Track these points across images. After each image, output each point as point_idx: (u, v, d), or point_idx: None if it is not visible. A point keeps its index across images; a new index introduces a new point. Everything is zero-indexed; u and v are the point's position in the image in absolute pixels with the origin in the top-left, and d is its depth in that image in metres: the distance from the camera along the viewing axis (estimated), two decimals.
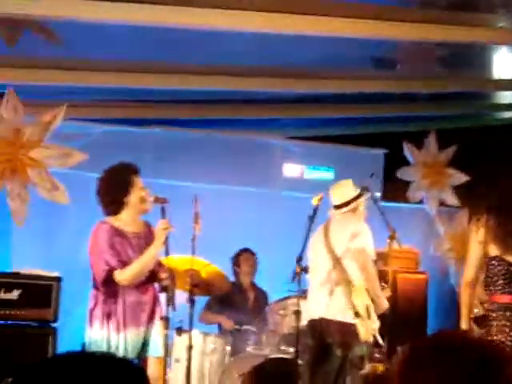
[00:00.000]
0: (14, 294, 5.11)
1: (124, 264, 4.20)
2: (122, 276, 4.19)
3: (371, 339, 4.79)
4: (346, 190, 5.06)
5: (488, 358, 1.38)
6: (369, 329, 4.74)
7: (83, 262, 5.15)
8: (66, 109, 5.77)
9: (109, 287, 4.23)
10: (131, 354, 4.20)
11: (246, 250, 6.35)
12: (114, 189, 4.33)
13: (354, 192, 5.06)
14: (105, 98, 6.86)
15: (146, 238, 4.34)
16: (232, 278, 6.14)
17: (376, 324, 4.81)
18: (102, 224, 4.31)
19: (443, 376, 1.35)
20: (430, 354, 1.38)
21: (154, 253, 4.24)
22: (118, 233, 4.27)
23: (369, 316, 4.74)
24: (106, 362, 1.39)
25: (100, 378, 1.35)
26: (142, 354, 4.29)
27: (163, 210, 4.26)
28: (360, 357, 4.78)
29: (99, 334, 4.23)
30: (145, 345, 4.30)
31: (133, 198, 4.32)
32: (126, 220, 4.33)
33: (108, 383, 1.35)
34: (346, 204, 5.02)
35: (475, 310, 5.65)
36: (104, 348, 4.18)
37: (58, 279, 5.27)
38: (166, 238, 4.22)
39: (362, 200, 5.09)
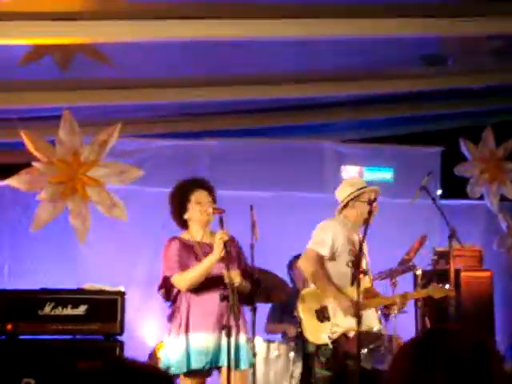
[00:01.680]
0: (81, 310, 5.26)
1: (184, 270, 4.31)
2: (178, 280, 4.29)
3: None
4: (341, 188, 4.98)
5: (483, 353, 1.38)
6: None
7: (143, 275, 5.25)
8: (121, 127, 5.91)
9: (170, 293, 4.34)
10: (202, 363, 4.28)
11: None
12: (175, 209, 4.48)
13: (346, 191, 4.91)
14: (157, 114, 6.99)
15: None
16: (290, 285, 6.16)
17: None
18: (171, 239, 4.45)
19: (438, 370, 1.34)
20: (427, 351, 1.39)
21: (211, 260, 4.30)
22: (185, 245, 4.40)
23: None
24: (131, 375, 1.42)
25: None
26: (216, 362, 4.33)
27: (221, 220, 4.31)
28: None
29: (172, 340, 4.32)
30: (215, 351, 4.35)
31: (191, 213, 4.44)
32: (194, 233, 4.47)
33: None
34: (341, 202, 4.95)
35: None
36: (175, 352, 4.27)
37: (122, 293, 5.39)
38: (225, 247, 4.27)
39: (359, 198, 4.87)
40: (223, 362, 4.28)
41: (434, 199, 5.54)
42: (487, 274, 6.74)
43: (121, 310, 5.33)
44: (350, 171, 7.58)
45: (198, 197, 4.45)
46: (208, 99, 6.53)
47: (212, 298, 4.33)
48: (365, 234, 4.70)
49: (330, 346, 4.58)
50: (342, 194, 4.95)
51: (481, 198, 7.48)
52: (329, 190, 7.47)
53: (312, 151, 7.49)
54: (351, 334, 4.63)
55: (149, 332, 6.31)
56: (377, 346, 5.70)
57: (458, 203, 7.37)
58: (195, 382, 4.36)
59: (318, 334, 4.60)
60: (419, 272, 5.79)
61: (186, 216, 4.43)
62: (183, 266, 4.32)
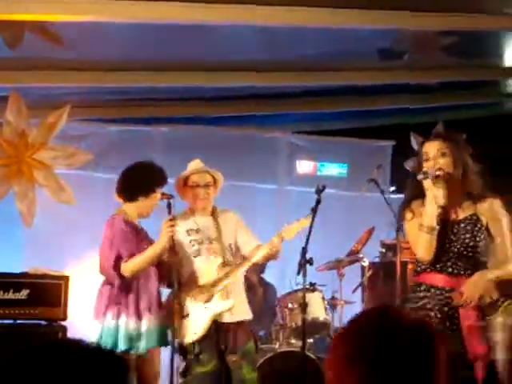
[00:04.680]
0: (23, 294, 5.16)
1: (132, 256, 4.31)
2: (125, 268, 4.30)
3: None
4: None
5: (421, 336, 1.37)
6: None
7: (91, 260, 5.18)
8: (71, 110, 5.81)
9: (119, 277, 4.33)
10: (148, 343, 4.29)
11: None
12: (134, 187, 4.45)
13: None
14: (108, 98, 6.88)
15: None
16: None
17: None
18: (113, 217, 4.40)
19: (377, 355, 1.33)
20: (368, 334, 1.37)
21: (157, 248, 4.28)
22: (128, 224, 4.37)
23: None
24: (84, 351, 1.38)
25: (74, 367, 1.35)
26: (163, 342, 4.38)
27: (169, 206, 4.29)
28: None
29: (112, 325, 4.28)
30: (154, 336, 4.35)
31: (145, 202, 4.45)
32: (132, 213, 4.45)
33: (83, 373, 1.35)
34: None
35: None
36: (117, 337, 4.25)
37: (67, 278, 5.31)
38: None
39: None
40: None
41: (382, 191, 5.58)
42: None
43: (64, 295, 5.25)
44: (304, 166, 7.62)
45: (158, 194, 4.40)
46: (160, 84, 6.45)
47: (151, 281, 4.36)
48: None
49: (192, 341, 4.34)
50: None
51: None
52: (282, 181, 7.53)
53: (265, 142, 7.49)
54: (224, 320, 4.39)
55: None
56: (322, 336, 5.74)
57: None
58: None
59: (187, 332, 4.38)
60: (366, 263, 5.86)
61: (138, 198, 4.42)
62: (129, 251, 4.31)
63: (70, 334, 5.25)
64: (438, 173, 3.42)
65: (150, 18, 5.11)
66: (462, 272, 3.43)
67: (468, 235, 3.45)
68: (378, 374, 1.33)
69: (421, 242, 3.45)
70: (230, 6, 5.22)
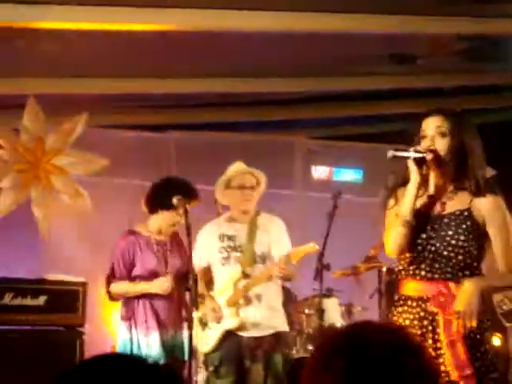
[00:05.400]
0: (41, 300, 5.18)
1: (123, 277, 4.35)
2: (112, 288, 4.37)
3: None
4: None
5: (399, 345, 1.33)
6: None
7: (106, 267, 5.21)
8: (88, 117, 5.84)
9: (108, 296, 4.46)
10: (160, 357, 4.25)
11: None
12: (157, 201, 4.42)
13: None
14: (123, 105, 6.91)
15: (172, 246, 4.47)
16: None
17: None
18: (125, 235, 4.47)
19: (352, 364, 1.30)
20: (341, 343, 1.34)
21: (147, 289, 4.31)
22: (138, 241, 4.38)
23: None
24: (137, 365, 1.37)
25: (129, 381, 1.33)
26: (175, 357, 4.33)
27: (186, 212, 4.28)
28: None
29: (126, 337, 4.28)
30: (176, 348, 4.33)
31: (166, 217, 4.41)
32: (152, 227, 4.47)
33: None
34: None
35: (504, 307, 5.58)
36: (132, 350, 4.24)
37: (84, 284, 5.33)
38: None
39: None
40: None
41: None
42: None
43: (82, 301, 5.28)
44: (319, 171, 7.62)
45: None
46: (176, 91, 6.47)
47: (170, 294, 4.35)
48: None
49: (214, 353, 4.30)
50: None
51: None
52: (297, 186, 7.52)
53: (280, 147, 7.48)
54: (249, 334, 4.27)
55: (112, 325, 6.24)
56: None
57: None
58: None
59: (202, 341, 4.35)
60: (384, 269, 5.83)
61: (158, 211, 4.39)
62: (123, 272, 4.34)
63: (87, 341, 5.27)
64: (425, 155, 2.82)
65: (164, 25, 5.14)
66: (438, 276, 2.82)
67: (450, 232, 2.83)
68: None
69: (392, 235, 2.89)
70: (242, 12, 5.24)
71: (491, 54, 6.81)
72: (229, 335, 4.28)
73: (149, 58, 5.94)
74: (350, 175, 7.72)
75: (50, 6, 4.79)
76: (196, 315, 4.27)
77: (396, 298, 2.98)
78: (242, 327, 4.26)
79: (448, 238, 2.84)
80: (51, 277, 5.36)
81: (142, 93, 6.48)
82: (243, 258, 4.31)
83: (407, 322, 2.85)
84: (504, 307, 5.63)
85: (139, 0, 4.90)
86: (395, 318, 2.91)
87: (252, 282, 4.28)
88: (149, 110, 7.05)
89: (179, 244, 4.46)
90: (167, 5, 4.88)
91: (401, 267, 2.94)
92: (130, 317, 4.32)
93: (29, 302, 5.15)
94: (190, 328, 4.15)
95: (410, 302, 2.87)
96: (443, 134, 2.88)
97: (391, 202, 2.97)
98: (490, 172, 7.68)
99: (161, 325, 4.32)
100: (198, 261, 4.42)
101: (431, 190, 2.91)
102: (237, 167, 4.54)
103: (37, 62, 5.62)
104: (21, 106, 5.81)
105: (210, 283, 4.48)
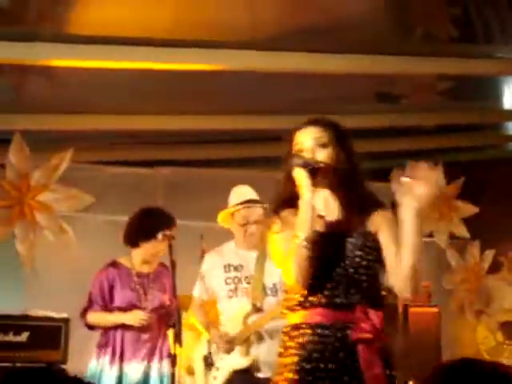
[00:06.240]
0: (23, 337, 5.14)
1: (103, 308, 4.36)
2: (89, 318, 4.38)
3: None
4: None
5: None
6: None
7: None
8: (74, 153, 5.86)
9: (85, 325, 4.43)
10: None
11: None
12: (136, 232, 4.43)
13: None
14: (109, 141, 6.95)
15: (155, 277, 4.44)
16: None
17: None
18: (106, 267, 4.48)
19: None
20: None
21: (123, 320, 4.30)
22: (120, 272, 4.38)
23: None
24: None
25: None
26: None
27: (170, 248, 4.28)
28: None
29: (96, 366, 4.26)
30: (146, 381, 4.30)
31: (148, 247, 4.41)
32: (135, 260, 4.46)
33: None
34: None
35: None
36: (102, 380, 4.22)
37: (67, 320, 5.29)
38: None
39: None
40: None
41: None
42: (435, 310, 6.79)
43: (65, 338, 5.24)
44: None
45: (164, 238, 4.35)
46: (163, 128, 6.53)
47: (147, 326, 4.31)
48: None
49: None
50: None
51: (430, 234, 7.59)
52: None
53: (269, 184, 7.49)
54: (263, 375, 3.91)
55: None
56: None
57: None
58: None
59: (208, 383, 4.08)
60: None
61: (139, 244, 4.40)
62: (99, 303, 4.35)
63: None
64: (318, 164, 2.50)
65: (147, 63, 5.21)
66: (355, 301, 2.47)
67: (358, 252, 2.51)
68: None
69: (296, 261, 2.41)
70: (231, 51, 5.33)
71: (474, 94, 6.93)
72: (239, 375, 3.99)
73: (137, 95, 6.01)
74: None
75: (37, 44, 4.86)
76: (201, 354, 4.17)
77: (291, 330, 2.50)
78: (253, 367, 3.98)
79: (358, 260, 2.50)
80: (34, 313, 5.32)
81: (130, 129, 6.53)
82: (252, 291, 4.01)
83: (314, 355, 2.43)
84: None
85: (129, 39, 4.99)
86: (287, 356, 2.47)
87: (264, 317, 3.96)
88: (136, 146, 7.09)
89: (165, 276, 4.43)
90: (156, 44, 4.95)
91: (297, 300, 2.49)
92: (106, 345, 4.30)
93: (11, 338, 5.11)
94: (173, 365, 4.12)
95: (319, 330, 2.45)
96: (324, 145, 2.55)
97: (277, 225, 2.54)
98: (472, 210, 7.73)
99: (136, 356, 4.29)
100: (204, 292, 4.25)
101: (321, 207, 2.54)
102: (243, 195, 4.28)
103: (23, 98, 5.66)
104: (6, 141, 5.83)
105: (216, 317, 4.28)
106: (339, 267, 2.49)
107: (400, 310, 5.55)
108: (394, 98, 6.98)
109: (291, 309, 2.50)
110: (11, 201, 5.77)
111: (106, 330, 4.35)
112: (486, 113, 7.34)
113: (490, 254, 7.51)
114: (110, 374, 4.24)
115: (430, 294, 6.91)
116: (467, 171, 7.56)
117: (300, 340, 2.45)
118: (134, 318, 4.26)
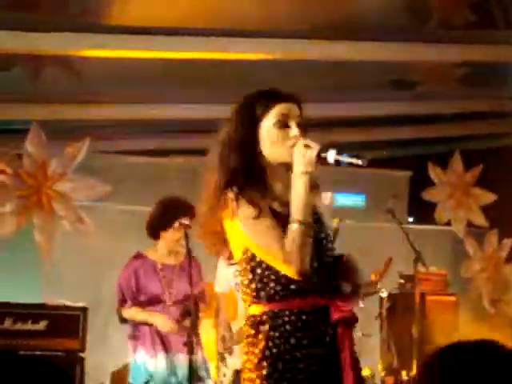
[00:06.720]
0: (42, 325, 5.17)
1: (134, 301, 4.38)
2: (125, 314, 4.42)
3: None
4: None
5: None
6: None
7: (109, 293, 5.22)
8: (90, 142, 5.88)
9: (120, 320, 4.47)
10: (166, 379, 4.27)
11: None
12: (156, 222, 4.43)
13: None
14: (126, 131, 6.96)
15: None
16: None
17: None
18: (133, 258, 4.48)
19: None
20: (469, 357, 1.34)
21: (152, 322, 4.32)
22: (146, 266, 4.40)
23: None
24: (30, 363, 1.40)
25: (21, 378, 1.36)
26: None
27: (186, 236, 4.28)
28: None
29: (136, 359, 4.30)
30: (178, 371, 4.32)
31: (168, 235, 4.42)
32: (160, 251, 4.47)
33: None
34: None
35: None
36: (140, 371, 4.26)
37: (85, 309, 5.32)
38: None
39: None
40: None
41: (400, 222, 5.57)
42: (452, 298, 6.76)
43: (83, 327, 5.26)
44: (321, 197, 7.61)
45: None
46: (178, 117, 6.53)
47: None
48: None
49: None
50: None
51: (448, 223, 7.54)
52: None
53: None
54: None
55: (112, 351, 6.22)
56: None
57: (425, 228, 7.41)
58: None
59: (220, 376, 4.26)
60: (384, 295, 5.81)
61: (160, 234, 4.42)
62: (130, 297, 4.37)
63: (88, 366, 5.26)
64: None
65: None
66: (333, 284, 2.35)
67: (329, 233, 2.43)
68: None
69: (302, 250, 2.21)
70: (247, 40, 5.32)
71: (491, 80, 6.86)
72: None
73: (153, 85, 6.00)
74: (351, 200, 7.73)
75: (59, 34, 4.87)
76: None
77: (275, 317, 2.30)
78: None
79: (329, 242, 2.42)
80: (52, 302, 5.35)
81: (145, 118, 6.53)
82: None
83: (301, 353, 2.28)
84: None
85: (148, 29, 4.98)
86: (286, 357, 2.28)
87: None
88: (152, 136, 7.09)
89: (193, 267, 4.41)
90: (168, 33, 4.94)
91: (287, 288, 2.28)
92: (136, 337, 4.34)
93: (29, 326, 5.15)
94: (191, 352, 4.15)
95: (304, 317, 2.29)
96: (300, 127, 2.37)
97: (254, 210, 2.27)
98: (490, 198, 7.67)
99: (166, 348, 4.31)
100: (222, 287, 4.38)
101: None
102: None
103: (40, 87, 5.67)
104: (24, 131, 5.86)
105: (234, 312, 4.36)
106: (321, 251, 2.34)
107: (417, 298, 5.51)
108: (410, 85, 6.91)
109: (270, 298, 2.27)
110: (28, 190, 5.80)
111: (135, 322, 4.39)
112: (503, 100, 7.26)
113: (508, 242, 7.43)
114: (150, 366, 4.26)
115: (448, 283, 6.88)
116: (485, 159, 7.50)
117: (286, 328, 2.25)
118: (163, 324, 4.29)
